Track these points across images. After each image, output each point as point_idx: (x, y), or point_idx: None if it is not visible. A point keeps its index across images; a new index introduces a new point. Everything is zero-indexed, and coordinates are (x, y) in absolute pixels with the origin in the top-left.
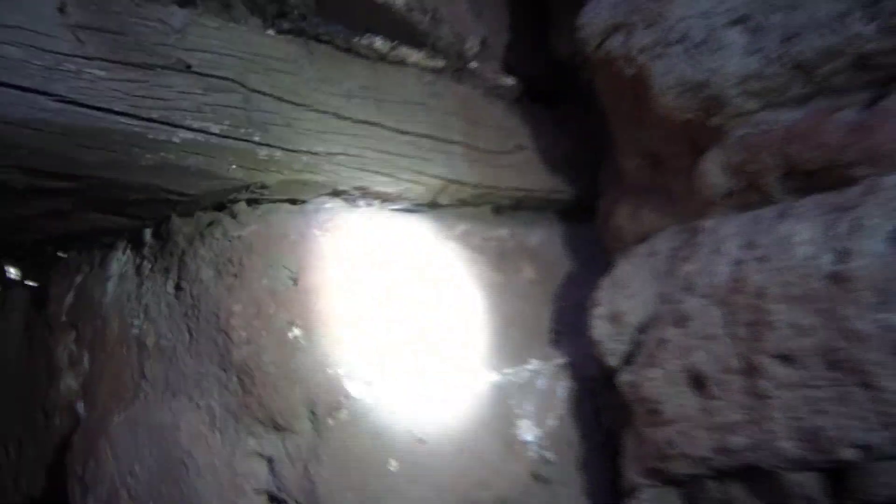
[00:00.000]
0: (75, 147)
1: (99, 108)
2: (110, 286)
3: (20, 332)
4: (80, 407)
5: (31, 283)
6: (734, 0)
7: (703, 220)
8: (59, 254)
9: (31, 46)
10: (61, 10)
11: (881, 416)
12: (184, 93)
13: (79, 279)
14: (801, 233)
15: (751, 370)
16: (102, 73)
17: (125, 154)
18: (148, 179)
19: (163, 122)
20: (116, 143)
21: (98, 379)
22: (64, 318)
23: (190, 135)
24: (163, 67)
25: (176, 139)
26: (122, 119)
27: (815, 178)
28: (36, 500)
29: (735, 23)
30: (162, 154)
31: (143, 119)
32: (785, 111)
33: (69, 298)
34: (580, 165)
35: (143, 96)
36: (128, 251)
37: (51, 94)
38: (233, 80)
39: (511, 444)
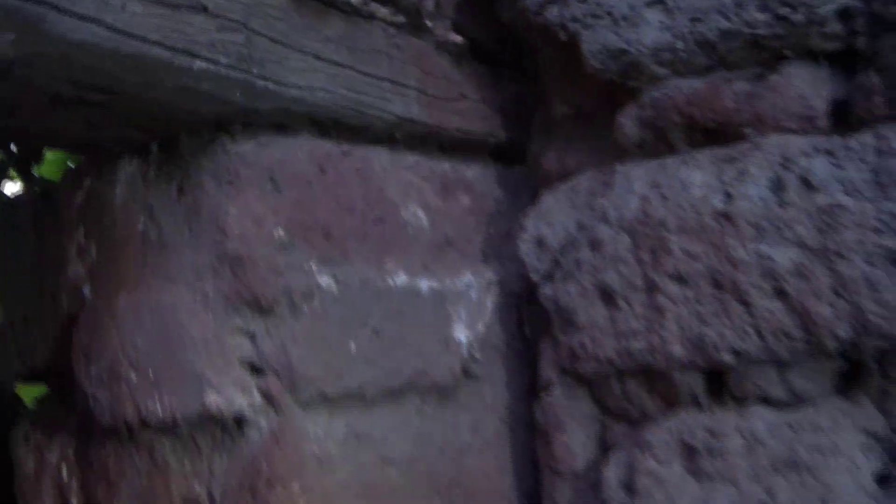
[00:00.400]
0: (118, 67)
1: (137, 37)
2: (118, 190)
3: (30, 227)
4: (87, 290)
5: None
6: None
7: (619, 164)
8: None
9: None
10: None
11: (754, 327)
12: (201, 29)
13: (88, 182)
14: (698, 177)
15: (651, 287)
16: (139, 9)
17: (154, 76)
18: (168, 99)
19: (185, 52)
20: (149, 66)
21: (104, 267)
22: (74, 216)
23: (205, 64)
24: (186, 7)
25: (194, 67)
26: (155, 47)
27: (711, 134)
28: (38, 371)
29: (653, 4)
30: (182, 79)
31: (169, 48)
32: (690, 79)
33: (79, 199)
34: (513, 115)
35: (171, 30)
36: (135, 161)
37: (101, 23)
38: (239, 22)
39: (447, 341)
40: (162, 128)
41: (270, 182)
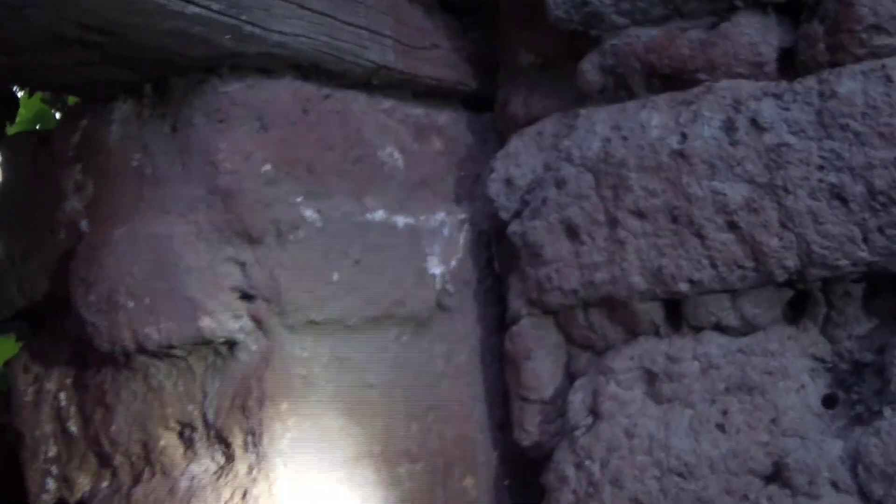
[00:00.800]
0: (118, 10)
1: None
2: (113, 128)
3: (27, 165)
4: (84, 224)
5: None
6: None
7: (582, 108)
8: None
9: None
10: None
11: (708, 258)
12: None
13: (84, 122)
14: (655, 119)
15: (612, 223)
16: None
17: (150, 18)
18: (163, 41)
19: None
20: (147, 9)
21: (101, 201)
22: (70, 154)
23: (197, 9)
24: None
25: (187, 11)
26: None
27: (668, 80)
28: (37, 302)
29: None
30: (177, 21)
31: None
32: (648, 28)
33: (75, 138)
34: (480, 64)
35: None
36: (129, 101)
37: None
38: None
39: (422, 274)
40: (154, 69)
41: (258, 121)
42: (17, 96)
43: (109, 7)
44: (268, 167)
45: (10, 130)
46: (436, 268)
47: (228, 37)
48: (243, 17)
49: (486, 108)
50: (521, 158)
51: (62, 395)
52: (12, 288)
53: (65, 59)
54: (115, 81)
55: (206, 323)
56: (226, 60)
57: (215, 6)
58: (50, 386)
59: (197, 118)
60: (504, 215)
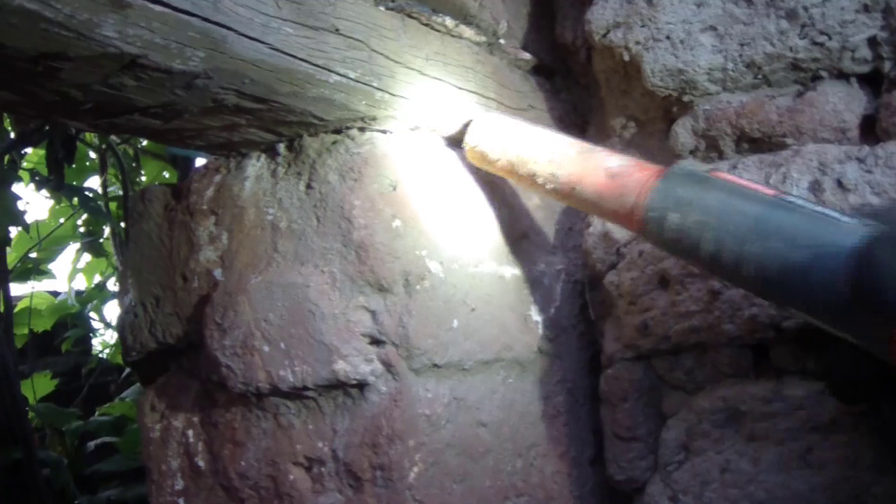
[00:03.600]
0: (275, 80)
1: (290, 55)
2: (248, 184)
3: (159, 216)
4: (219, 273)
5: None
6: (707, 13)
7: None
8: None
9: (253, 9)
10: None
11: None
12: (335, 48)
13: (218, 178)
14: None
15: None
16: (291, 31)
17: (300, 87)
18: (307, 107)
19: (323, 68)
20: (297, 79)
21: (235, 252)
22: (205, 207)
23: (338, 78)
24: (324, 29)
25: (330, 80)
26: (303, 63)
27: (757, 143)
28: (167, 345)
29: (707, 29)
30: (322, 90)
31: (313, 64)
32: (738, 94)
33: (209, 192)
34: (570, 123)
35: (313, 48)
36: (262, 159)
37: (264, 42)
38: (362, 42)
39: (526, 321)
40: (290, 130)
41: (386, 178)
42: (74, 138)
43: (267, 77)
44: (397, 222)
45: (68, 173)
46: (537, 315)
47: (364, 102)
48: (375, 84)
49: None
50: None
51: (190, 433)
52: (144, 332)
53: (215, 122)
54: (253, 141)
55: (340, 366)
56: (357, 123)
57: (352, 74)
58: (177, 423)
59: (331, 176)
60: (600, 267)
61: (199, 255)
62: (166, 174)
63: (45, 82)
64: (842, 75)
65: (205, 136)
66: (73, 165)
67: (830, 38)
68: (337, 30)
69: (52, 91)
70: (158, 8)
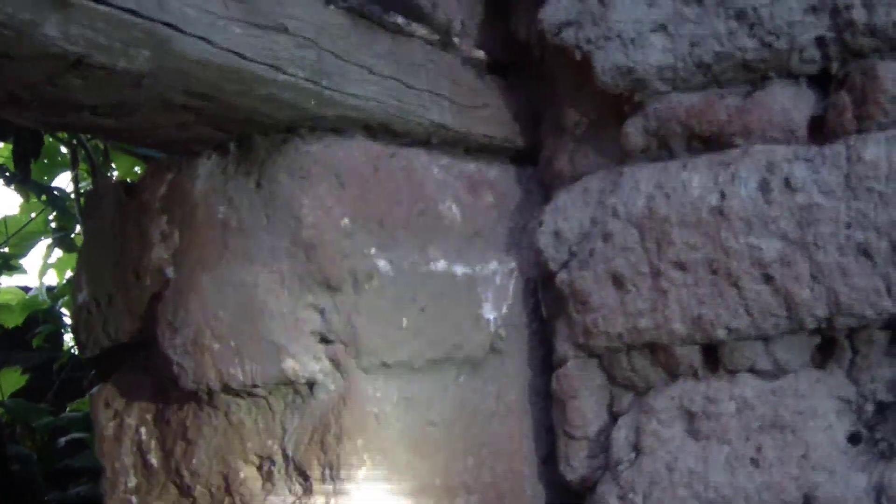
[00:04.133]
0: (221, 79)
1: (237, 54)
2: (199, 182)
3: (112, 214)
4: (170, 271)
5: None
6: (657, 13)
7: (626, 166)
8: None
9: (199, 8)
10: None
11: (744, 307)
12: (284, 47)
13: (170, 176)
14: (696, 179)
15: (656, 273)
16: (239, 30)
17: (247, 86)
18: (255, 106)
19: (272, 67)
20: (245, 78)
21: (187, 250)
22: (157, 205)
23: (287, 77)
24: (272, 28)
25: (279, 79)
26: (250, 63)
27: (707, 142)
28: (120, 342)
29: (657, 29)
30: (270, 89)
31: (260, 63)
32: (688, 94)
33: (162, 190)
34: (525, 122)
35: (262, 48)
36: (212, 157)
37: (211, 42)
38: (311, 41)
39: (478, 320)
40: (240, 129)
41: (335, 178)
42: (41, 134)
43: (214, 76)
44: (346, 221)
45: (35, 167)
46: (490, 314)
47: (313, 101)
48: (324, 83)
49: (529, 161)
50: (568, 212)
51: (143, 430)
52: (97, 329)
53: (166, 120)
54: (203, 139)
55: (289, 364)
56: (307, 122)
57: (301, 73)
58: (130, 421)
59: (281, 175)
60: (553, 265)
61: (151, 253)
62: (137, 169)
63: None
64: (790, 75)
65: (155, 134)
66: (43, 161)
67: (779, 39)
68: (286, 29)
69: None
70: (102, 7)
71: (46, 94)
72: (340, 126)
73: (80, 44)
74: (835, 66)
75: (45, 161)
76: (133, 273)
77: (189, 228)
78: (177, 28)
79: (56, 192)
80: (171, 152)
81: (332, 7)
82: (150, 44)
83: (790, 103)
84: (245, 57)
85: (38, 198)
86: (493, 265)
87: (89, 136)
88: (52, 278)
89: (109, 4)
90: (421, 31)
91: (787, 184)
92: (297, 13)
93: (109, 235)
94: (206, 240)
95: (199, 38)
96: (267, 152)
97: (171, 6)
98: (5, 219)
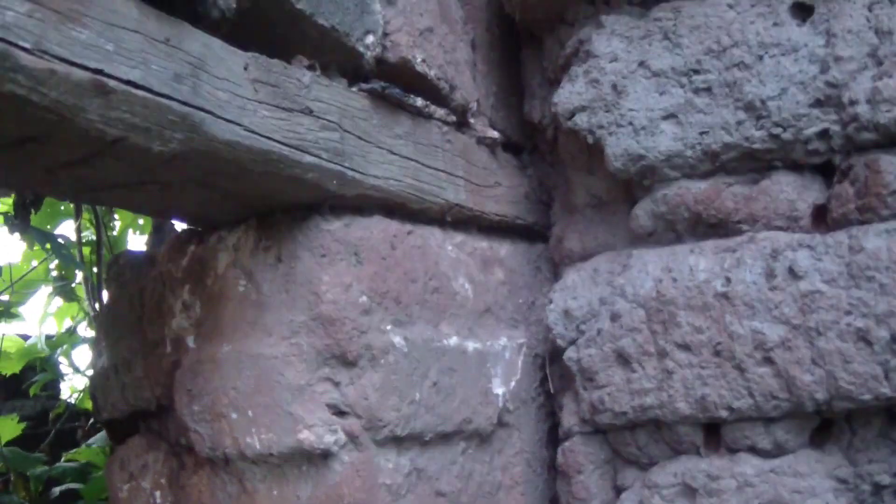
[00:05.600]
0: (249, 161)
1: (265, 136)
2: (221, 256)
3: (134, 282)
4: (191, 340)
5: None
6: (668, 102)
7: (634, 248)
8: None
9: (231, 93)
10: (245, 68)
11: (746, 389)
12: (309, 129)
13: (192, 248)
14: (702, 264)
15: (661, 354)
16: (267, 113)
17: (275, 168)
18: (280, 185)
19: (297, 148)
20: (272, 160)
21: (207, 321)
22: (179, 276)
23: (311, 158)
24: (298, 111)
25: (304, 161)
26: (277, 144)
27: (713, 228)
28: (135, 407)
29: (668, 117)
30: (295, 170)
31: (287, 145)
32: (696, 180)
33: (184, 262)
34: (535, 200)
35: (288, 130)
36: (235, 232)
37: (240, 125)
38: (335, 123)
39: (487, 394)
40: (263, 206)
41: (354, 255)
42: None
43: (242, 157)
44: (364, 298)
45: (37, 217)
46: (499, 388)
47: (335, 181)
48: (346, 164)
49: (539, 238)
50: (577, 291)
51: (157, 494)
52: (115, 394)
53: (193, 197)
54: (226, 214)
55: (304, 436)
56: (328, 201)
57: (325, 155)
58: (145, 484)
59: (301, 251)
60: (561, 342)
61: (172, 323)
62: (140, 221)
63: (27, 161)
64: (795, 165)
65: (181, 208)
66: (46, 210)
67: (785, 130)
68: (310, 111)
69: (35, 169)
70: (141, 93)
71: (81, 173)
72: (360, 205)
73: (119, 127)
74: (838, 159)
75: (48, 210)
76: (152, 341)
77: (211, 300)
78: (209, 112)
79: (60, 240)
80: (194, 225)
81: (354, 90)
82: (183, 127)
83: (795, 192)
84: (272, 139)
85: (42, 246)
86: (503, 341)
87: None
88: (51, 327)
89: (147, 90)
90: (439, 112)
91: (791, 271)
92: (321, 96)
93: (128, 304)
94: (226, 312)
95: (230, 121)
96: (288, 229)
97: (203, 90)
98: (9, 266)
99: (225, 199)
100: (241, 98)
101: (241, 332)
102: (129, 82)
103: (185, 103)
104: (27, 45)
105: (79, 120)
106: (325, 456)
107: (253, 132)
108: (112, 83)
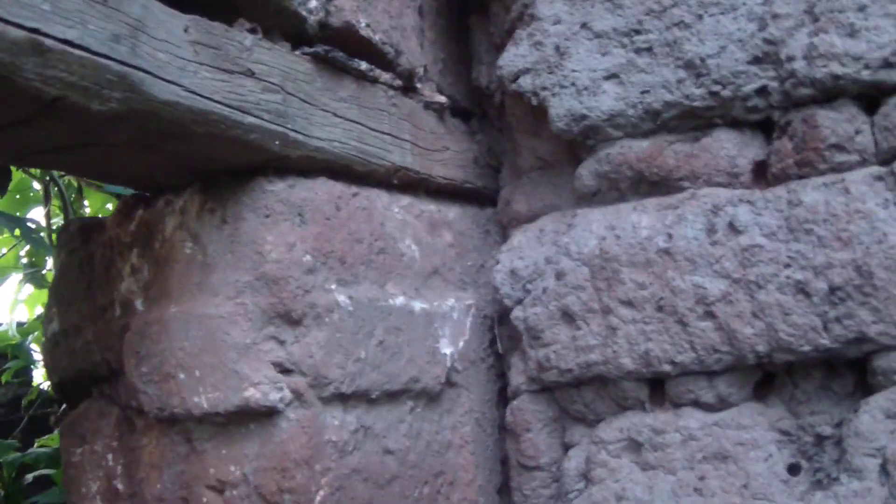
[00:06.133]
0: (190, 121)
1: (206, 97)
2: (168, 219)
3: (82, 248)
4: (139, 303)
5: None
6: (610, 62)
7: (578, 208)
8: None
9: (170, 54)
10: (185, 30)
11: (689, 343)
12: (251, 91)
13: (140, 212)
14: (645, 221)
15: (605, 311)
16: (208, 75)
17: (216, 128)
18: (222, 147)
19: (239, 110)
20: (213, 121)
21: (155, 284)
22: (127, 240)
23: (253, 119)
24: (239, 73)
25: (245, 121)
26: (218, 106)
27: (655, 186)
28: (86, 371)
29: (609, 77)
30: (237, 131)
31: (228, 106)
32: (638, 140)
33: (132, 227)
34: (484, 164)
35: (229, 91)
36: (181, 195)
37: (180, 85)
38: (277, 85)
39: (435, 354)
40: (208, 168)
41: (298, 216)
42: (10, 170)
43: (182, 118)
44: (307, 257)
45: (1, 202)
46: (446, 348)
47: (278, 143)
48: (289, 126)
49: (488, 202)
50: (523, 252)
51: (109, 457)
52: (66, 359)
53: (136, 160)
54: (171, 178)
55: (250, 393)
56: (272, 163)
57: (266, 116)
58: (97, 448)
59: (246, 213)
60: (508, 302)
61: (121, 286)
62: (109, 206)
63: None
64: (735, 123)
65: (126, 172)
66: (15, 196)
67: (724, 87)
68: (252, 73)
69: None
70: (78, 52)
71: (22, 135)
72: (304, 167)
73: (57, 86)
74: (777, 115)
75: (18, 196)
76: (101, 305)
77: (158, 263)
78: (148, 72)
79: (30, 225)
80: (140, 189)
81: (297, 53)
82: (123, 87)
83: (735, 149)
84: (213, 100)
85: (11, 232)
86: (451, 302)
87: (62, 173)
88: (22, 314)
89: (85, 49)
90: (385, 76)
91: (731, 226)
92: (263, 59)
93: (79, 269)
94: (173, 274)
95: (169, 82)
96: (232, 191)
97: (142, 51)
98: None
99: (169, 161)
100: (182, 59)
101: (189, 294)
102: (66, 41)
103: (123, 63)
104: None
105: (16, 79)
106: (271, 413)
107: (193, 93)
108: (49, 42)
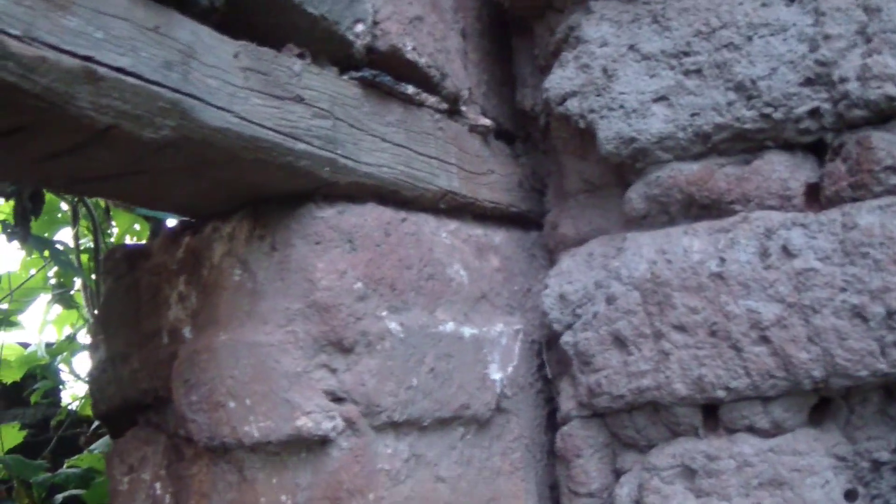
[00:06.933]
0: (241, 148)
1: (257, 124)
2: (216, 246)
3: (129, 276)
4: (187, 331)
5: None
6: (659, 84)
7: (628, 232)
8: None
9: (221, 80)
10: (235, 56)
11: (743, 368)
12: (301, 117)
13: (187, 239)
14: (696, 245)
15: (657, 335)
16: (258, 101)
17: (267, 155)
18: (275, 173)
19: (290, 136)
20: (264, 147)
21: (203, 311)
22: (174, 267)
23: (304, 146)
24: (289, 99)
25: (297, 148)
26: (269, 132)
27: (706, 209)
28: (132, 399)
29: (659, 100)
30: (288, 158)
31: (279, 132)
32: (688, 162)
33: (179, 253)
34: (529, 187)
35: (280, 118)
36: (230, 222)
37: (231, 112)
38: (326, 111)
39: (484, 380)
40: (256, 195)
41: (349, 242)
42: (42, 192)
43: (234, 146)
44: (359, 284)
45: (34, 225)
46: (496, 374)
47: (327, 169)
48: (339, 152)
49: (532, 226)
50: (572, 276)
51: (157, 485)
52: (112, 387)
53: (186, 187)
54: (219, 204)
55: (302, 422)
56: (321, 189)
57: (317, 142)
58: (145, 476)
59: (295, 239)
60: (557, 327)
61: (168, 314)
62: (137, 226)
63: (16, 151)
64: (787, 145)
65: (173, 199)
66: (43, 217)
67: (776, 109)
68: (302, 99)
69: (24, 160)
70: (131, 80)
71: (72, 164)
72: (353, 192)
73: (110, 114)
74: (829, 137)
75: (46, 217)
76: (149, 333)
77: (206, 290)
78: (200, 99)
79: (59, 246)
80: (187, 216)
81: (345, 78)
82: (174, 114)
83: (787, 172)
84: (265, 126)
85: (41, 253)
86: (500, 327)
87: None
88: (51, 334)
89: (138, 77)
90: (430, 99)
91: (785, 249)
92: (313, 84)
93: (126, 296)
94: (222, 301)
95: (220, 108)
96: (282, 217)
97: (193, 78)
98: (8, 275)
99: (217, 188)
100: (232, 86)
101: (238, 321)
102: (119, 69)
103: (175, 90)
104: (17, 33)
105: (69, 108)
106: (324, 442)
107: (244, 119)
108: (102, 70)
